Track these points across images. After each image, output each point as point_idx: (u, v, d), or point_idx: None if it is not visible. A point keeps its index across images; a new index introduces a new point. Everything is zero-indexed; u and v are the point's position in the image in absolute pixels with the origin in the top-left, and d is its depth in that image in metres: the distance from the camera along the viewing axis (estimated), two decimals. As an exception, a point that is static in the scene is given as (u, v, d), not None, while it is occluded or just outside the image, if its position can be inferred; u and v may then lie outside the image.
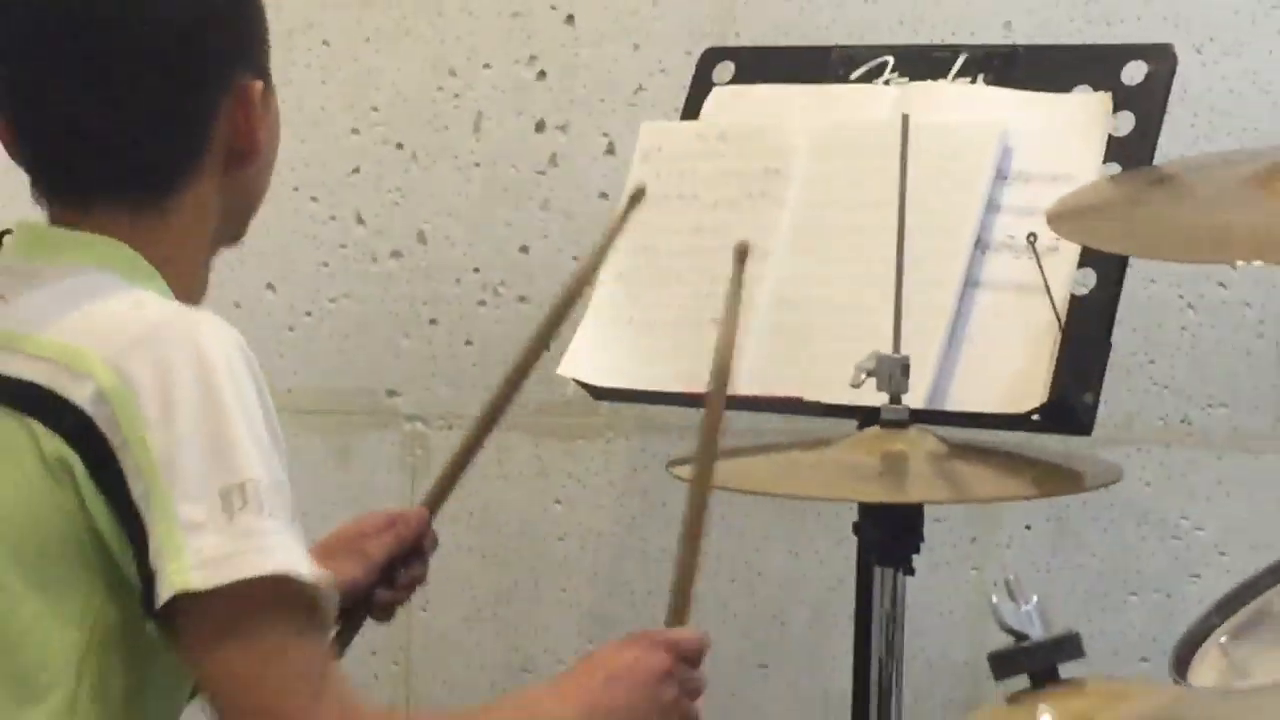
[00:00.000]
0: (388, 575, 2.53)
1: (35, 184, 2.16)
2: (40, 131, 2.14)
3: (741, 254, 2.42)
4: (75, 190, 2.14)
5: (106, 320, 2.02)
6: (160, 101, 2.11)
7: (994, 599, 1.66)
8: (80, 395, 1.97)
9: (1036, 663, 1.66)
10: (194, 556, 1.93)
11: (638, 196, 2.66)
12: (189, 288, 2.14)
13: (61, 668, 2.00)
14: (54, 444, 1.97)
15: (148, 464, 1.95)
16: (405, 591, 2.56)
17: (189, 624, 1.96)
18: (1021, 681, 1.69)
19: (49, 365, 2.00)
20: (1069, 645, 1.66)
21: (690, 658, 2.27)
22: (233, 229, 2.23)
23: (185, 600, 1.93)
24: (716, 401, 2.41)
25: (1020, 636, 1.66)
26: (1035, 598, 1.67)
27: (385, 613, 2.55)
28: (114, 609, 2.00)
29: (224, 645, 1.95)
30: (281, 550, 1.94)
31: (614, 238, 2.64)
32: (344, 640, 2.56)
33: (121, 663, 2.01)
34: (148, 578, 1.96)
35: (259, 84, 2.16)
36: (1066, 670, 1.68)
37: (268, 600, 1.94)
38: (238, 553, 1.93)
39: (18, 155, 2.16)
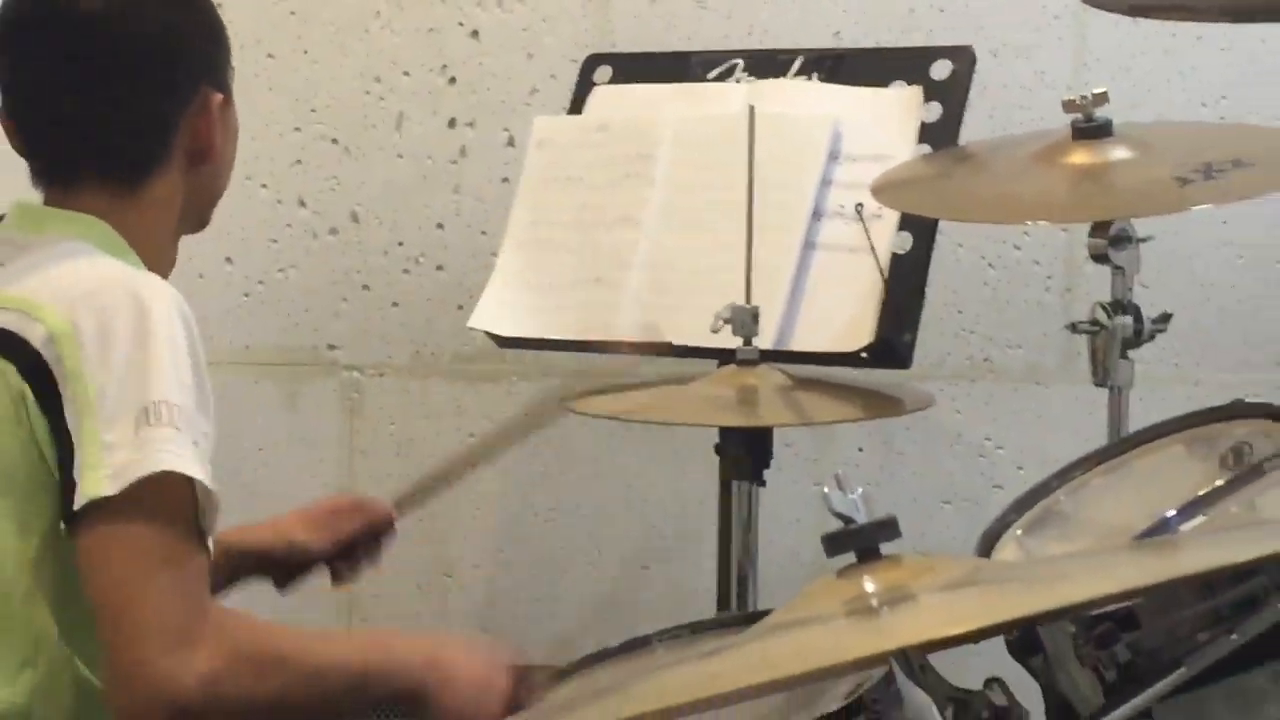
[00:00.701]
0: (349, 551, 2.51)
1: (31, 170, 2.15)
2: (34, 124, 2.13)
3: None
4: (62, 175, 2.13)
5: (65, 277, 2.01)
6: (134, 103, 2.11)
7: (825, 489, 1.66)
8: (35, 337, 1.96)
9: (861, 542, 1.66)
10: (106, 469, 1.90)
11: None
12: (158, 263, 2.13)
13: (20, 567, 1.97)
14: (15, 380, 1.97)
15: (83, 396, 1.93)
16: (359, 569, 2.54)
17: (86, 528, 1.92)
18: (849, 558, 1.70)
19: (15, 314, 1.99)
20: (888, 527, 1.66)
21: (517, 697, 2.11)
22: (196, 217, 2.22)
23: (92, 508, 1.90)
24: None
25: (848, 520, 1.66)
26: (860, 489, 1.67)
27: (339, 579, 2.52)
28: (58, 519, 1.96)
29: (104, 541, 1.91)
30: (171, 455, 1.90)
31: None
32: (288, 584, 2.53)
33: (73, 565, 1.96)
34: (70, 489, 1.93)
35: (219, 96, 2.16)
36: (886, 549, 1.69)
37: (152, 501, 1.90)
38: (137, 460, 1.90)
39: (18, 146, 2.15)
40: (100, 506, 1.90)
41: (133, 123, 2.12)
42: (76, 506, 1.91)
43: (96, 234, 2.08)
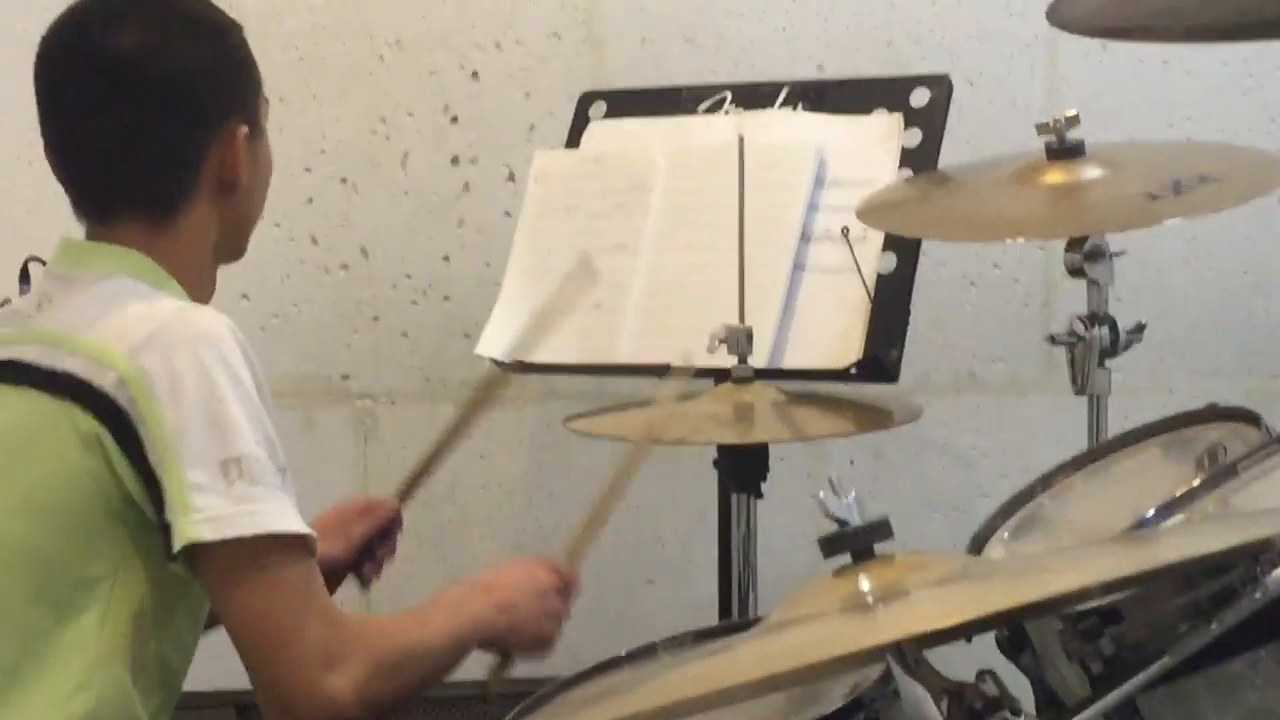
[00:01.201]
0: (366, 552, 2.52)
1: (72, 202, 2.17)
2: (70, 157, 2.15)
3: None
4: (98, 207, 2.14)
5: (126, 320, 2.02)
6: (163, 136, 2.11)
7: (820, 494, 1.67)
8: (107, 382, 1.99)
9: (856, 543, 1.68)
10: (200, 513, 1.95)
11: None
12: (198, 290, 2.14)
13: (93, 593, 2.01)
14: (88, 422, 1.99)
15: (160, 437, 1.96)
16: (381, 564, 2.55)
17: (204, 567, 1.99)
18: (845, 559, 1.71)
19: (83, 359, 2.01)
20: (881, 528, 1.68)
21: (569, 585, 2.27)
22: (232, 246, 2.22)
23: (198, 548, 1.96)
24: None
25: (842, 523, 1.68)
26: (854, 492, 1.69)
27: (368, 582, 2.54)
28: (135, 548, 2.01)
29: (230, 585, 1.98)
30: (271, 514, 1.97)
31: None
32: None
33: (145, 589, 2.02)
34: (165, 527, 1.97)
35: (244, 128, 2.15)
36: (880, 549, 1.70)
37: (261, 550, 1.97)
38: (236, 514, 1.95)
39: (59, 177, 2.16)
40: (214, 552, 1.96)
41: (161, 155, 2.12)
42: (176, 549, 1.97)
43: (137, 266, 2.10)
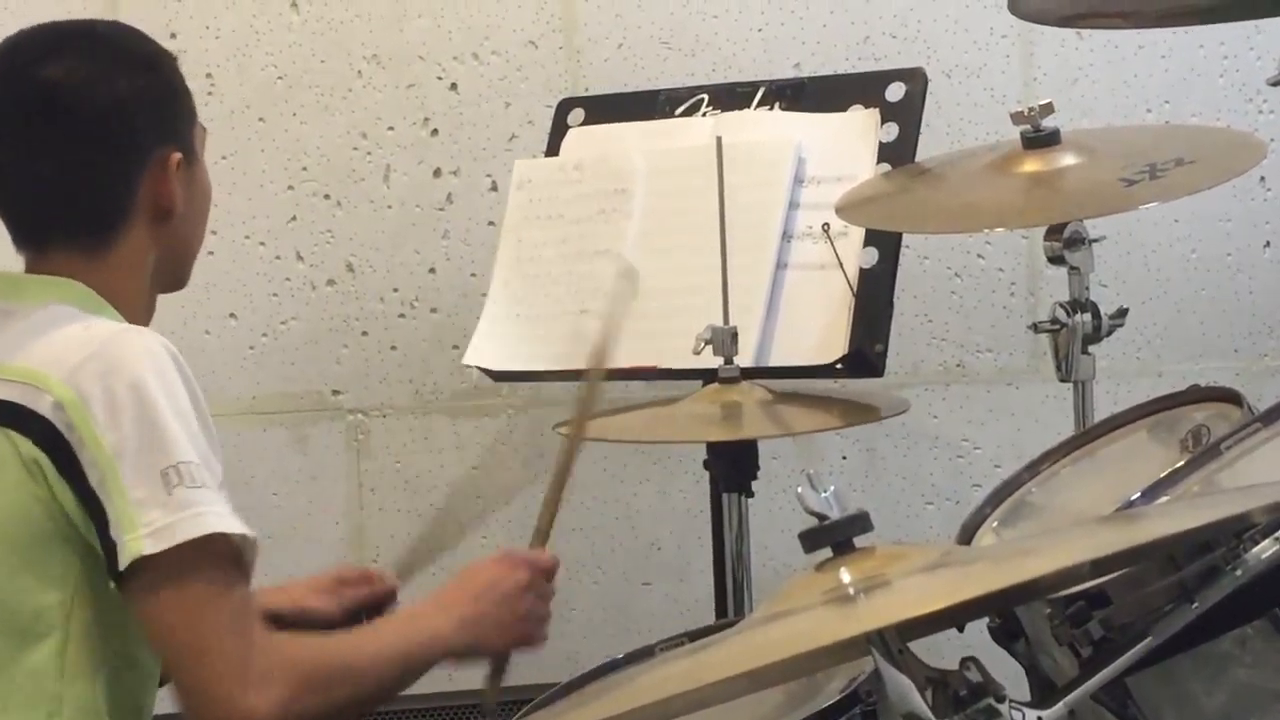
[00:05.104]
0: (355, 618, 2.48)
1: (12, 236, 2.17)
2: (9, 191, 2.15)
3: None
4: (34, 238, 2.15)
5: (61, 345, 2.03)
6: (94, 165, 2.12)
7: (799, 490, 1.69)
8: (44, 407, 1.99)
9: (836, 536, 1.69)
10: (145, 528, 1.94)
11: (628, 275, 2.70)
12: (136, 317, 2.14)
13: (51, 620, 2.01)
14: (28, 447, 1.99)
15: (102, 458, 1.96)
16: None
17: (141, 585, 1.96)
18: (826, 552, 1.73)
19: (20, 386, 2.01)
20: (860, 521, 1.69)
21: (545, 572, 2.27)
22: (171, 274, 2.21)
23: (139, 564, 1.95)
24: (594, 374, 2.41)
25: (822, 517, 1.69)
26: (832, 487, 1.70)
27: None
28: (87, 573, 2.01)
29: (166, 598, 1.96)
30: (212, 515, 1.96)
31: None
32: None
33: (102, 614, 2.02)
34: (110, 549, 1.97)
35: (178, 155, 2.15)
36: (859, 541, 1.72)
37: (202, 557, 1.95)
38: (178, 521, 1.95)
39: (0, 212, 2.17)
40: (149, 564, 1.95)
41: (94, 184, 2.12)
42: (122, 567, 1.96)
43: (75, 295, 2.10)
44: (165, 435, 1.97)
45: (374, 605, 2.52)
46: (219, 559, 1.97)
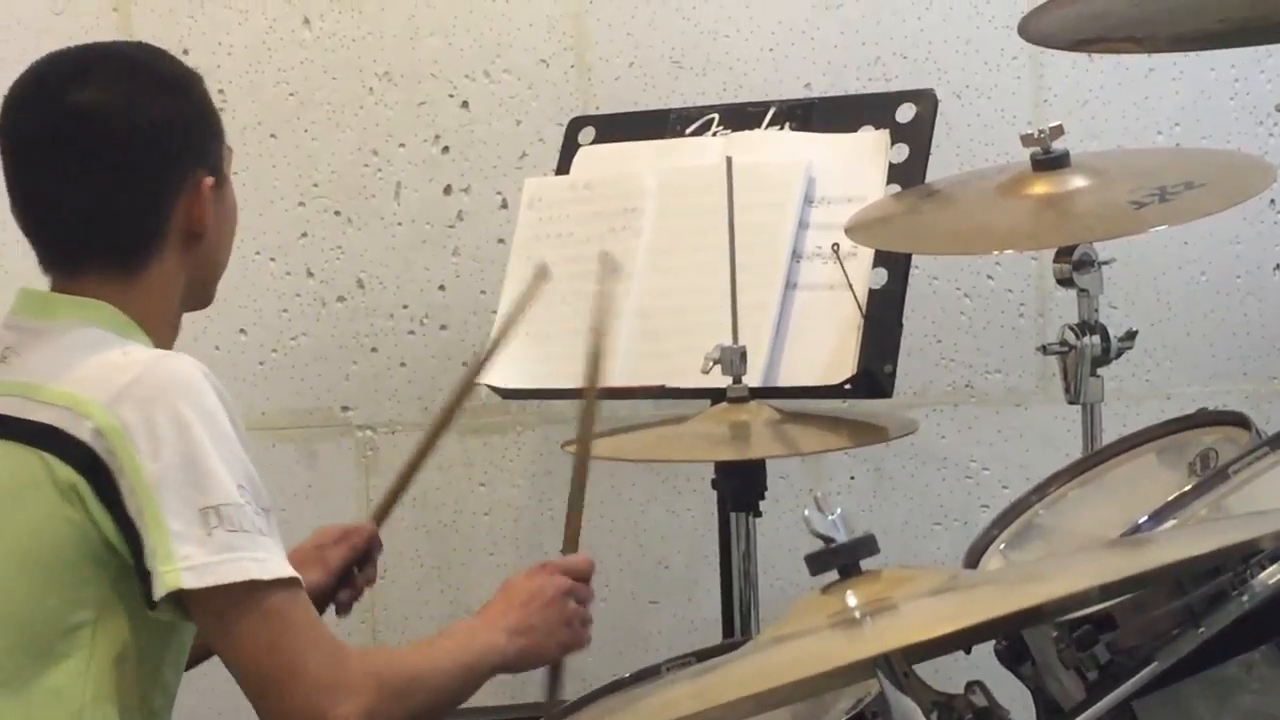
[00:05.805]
0: (346, 578, 2.52)
1: (39, 257, 2.17)
2: (35, 213, 2.15)
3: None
4: (66, 261, 2.15)
5: (100, 371, 2.04)
6: (127, 190, 2.12)
7: (806, 512, 1.69)
8: (84, 433, 2.00)
9: (842, 559, 1.69)
10: (183, 562, 1.96)
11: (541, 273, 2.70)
12: (163, 338, 2.15)
13: (77, 640, 2.02)
14: (65, 471, 2.00)
15: (140, 486, 1.98)
16: (360, 590, 2.55)
17: (197, 611, 2.01)
18: (832, 575, 1.73)
19: (59, 410, 2.02)
20: (866, 544, 1.69)
21: (581, 576, 2.31)
22: (198, 295, 2.23)
23: (185, 594, 1.97)
24: (591, 384, 2.44)
25: (829, 540, 1.70)
26: (839, 509, 1.70)
27: (345, 608, 2.53)
28: (117, 594, 2.02)
29: (227, 627, 2.00)
30: (249, 562, 1.98)
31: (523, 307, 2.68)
32: None
33: (127, 635, 2.03)
34: (145, 575, 1.99)
35: (209, 179, 2.16)
36: (866, 564, 1.72)
37: (249, 592, 1.98)
38: (217, 563, 1.97)
39: (29, 235, 2.17)
40: (203, 595, 1.97)
41: (127, 209, 2.13)
42: (157, 597, 1.98)
43: (106, 317, 2.11)
44: (206, 472, 1.98)
45: (361, 557, 2.53)
46: (272, 587, 2.00)
